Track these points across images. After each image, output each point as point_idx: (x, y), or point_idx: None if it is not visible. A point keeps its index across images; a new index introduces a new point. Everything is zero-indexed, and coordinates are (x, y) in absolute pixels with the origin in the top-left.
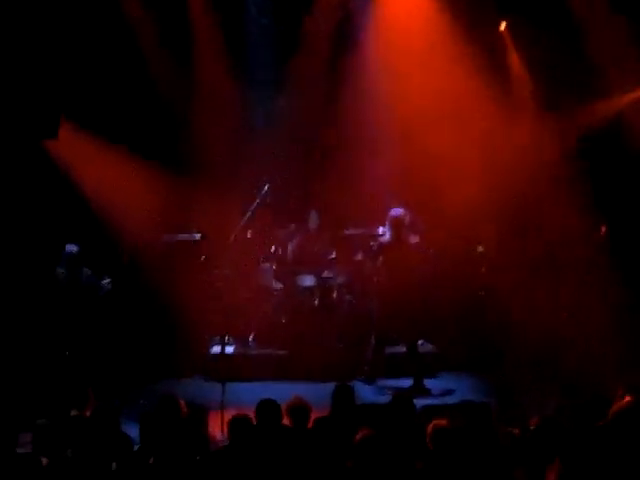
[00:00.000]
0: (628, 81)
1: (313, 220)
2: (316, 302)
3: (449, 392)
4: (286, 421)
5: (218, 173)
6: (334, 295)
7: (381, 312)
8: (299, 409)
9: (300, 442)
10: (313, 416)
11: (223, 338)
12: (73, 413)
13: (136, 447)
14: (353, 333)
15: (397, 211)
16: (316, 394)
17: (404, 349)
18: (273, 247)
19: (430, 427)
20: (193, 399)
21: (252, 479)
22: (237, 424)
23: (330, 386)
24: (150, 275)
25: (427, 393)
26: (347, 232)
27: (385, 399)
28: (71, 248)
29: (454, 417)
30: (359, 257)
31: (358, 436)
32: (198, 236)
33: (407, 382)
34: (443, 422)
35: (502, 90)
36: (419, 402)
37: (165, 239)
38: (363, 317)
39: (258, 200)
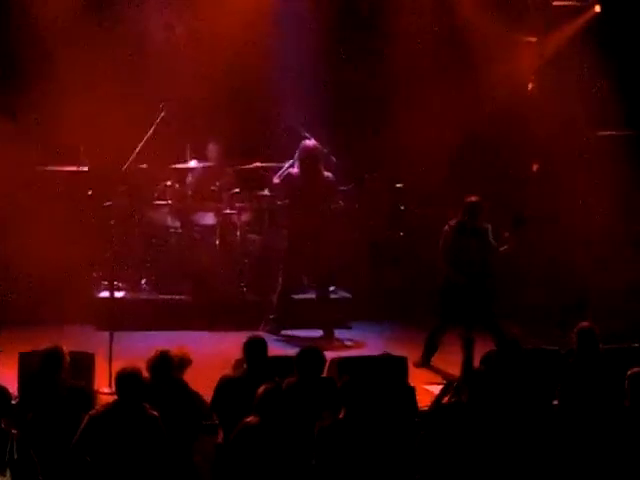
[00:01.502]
0: None
1: (212, 153)
2: (217, 242)
3: (363, 344)
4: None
5: (109, 95)
6: (237, 234)
7: (289, 254)
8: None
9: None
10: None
11: (112, 282)
12: None
13: (14, 401)
14: (258, 277)
15: (310, 142)
16: (216, 345)
17: (314, 296)
18: (169, 181)
19: (340, 382)
20: (78, 348)
21: (136, 441)
22: (125, 378)
23: (232, 336)
24: (30, 210)
25: (339, 345)
26: (252, 165)
27: (292, 351)
28: None
29: (367, 371)
30: (265, 192)
31: (260, 390)
32: (84, 167)
33: (317, 333)
34: (355, 377)
35: None
36: (329, 355)
37: (45, 170)
38: (269, 259)
39: (153, 129)
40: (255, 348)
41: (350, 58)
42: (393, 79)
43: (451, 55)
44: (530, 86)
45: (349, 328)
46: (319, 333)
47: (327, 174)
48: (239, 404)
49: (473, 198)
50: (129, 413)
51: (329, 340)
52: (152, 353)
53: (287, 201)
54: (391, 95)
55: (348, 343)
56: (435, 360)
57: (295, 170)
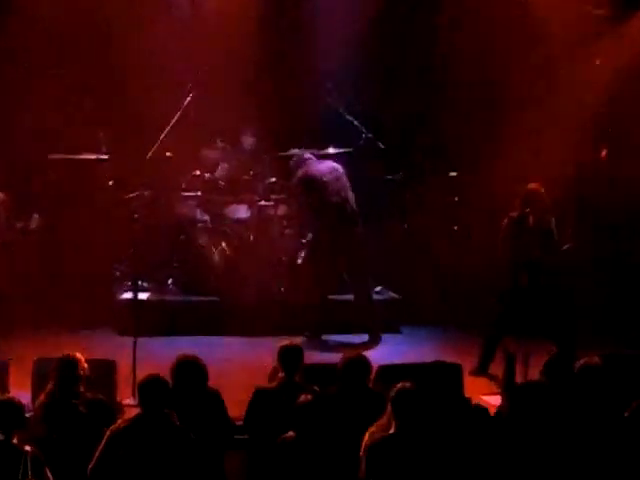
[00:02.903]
0: None
1: (246, 138)
2: (251, 238)
3: (413, 350)
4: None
5: (131, 78)
6: (273, 229)
7: (330, 249)
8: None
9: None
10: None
11: (136, 282)
12: None
13: (28, 414)
14: (296, 276)
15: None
16: (251, 351)
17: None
18: (198, 170)
19: (393, 391)
20: (98, 356)
21: (164, 458)
22: (148, 387)
23: (268, 342)
24: (43, 202)
25: (386, 351)
26: (290, 152)
27: (335, 359)
28: None
29: (419, 380)
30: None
31: (297, 403)
32: (104, 155)
33: (362, 338)
34: (407, 385)
35: None
36: (376, 361)
37: (60, 159)
38: (309, 256)
39: (180, 112)
40: (291, 356)
41: (402, 35)
42: (447, 60)
43: (519, 31)
44: (598, 62)
45: (399, 332)
46: (365, 338)
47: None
48: (275, 418)
49: (533, 185)
50: (155, 426)
51: (376, 346)
52: (176, 358)
53: (329, 191)
54: (445, 77)
55: (396, 349)
56: (494, 368)
57: (307, 170)
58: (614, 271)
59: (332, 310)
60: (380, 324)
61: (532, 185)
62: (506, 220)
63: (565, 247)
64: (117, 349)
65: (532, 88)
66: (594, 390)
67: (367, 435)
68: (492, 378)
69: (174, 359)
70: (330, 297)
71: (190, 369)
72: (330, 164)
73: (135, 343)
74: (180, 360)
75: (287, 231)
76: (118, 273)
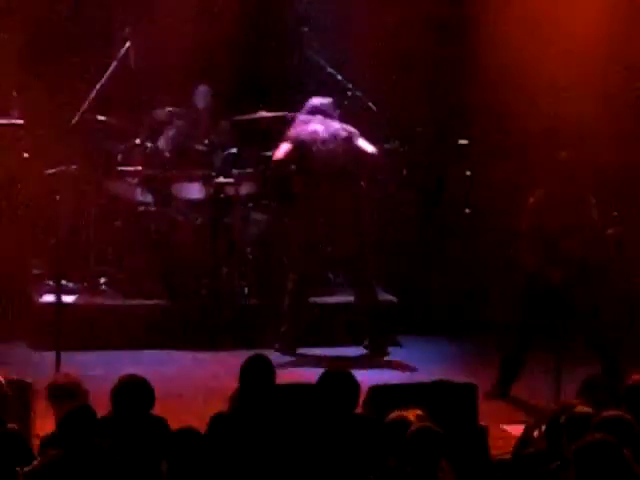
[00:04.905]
0: None
1: (201, 97)
2: (206, 224)
3: (414, 366)
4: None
5: (53, 19)
6: (236, 213)
7: (307, 237)
8: None
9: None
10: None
11: (59, 281)
12: None
13: None
14: (263, 273)
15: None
16: (207, 369)
17: (344, 298)
18: (139, 139)
19: (394, 418)
20: (10, 375)
21: None
22: (70, 419)
23: (228, 356)
24: None
25: (381, 366)
26: (256, 116)
27: (313, 376)
28: None
29: (423, 404)
30: (278, 154)
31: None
32: (18, 120)
33: (349, 351)
34: (414, 413)
35: None
36: (367, 379)
37: None
38: (279, 246)
39: (115, 65)
40: (253, 373)
41: None
42: None
43: None
44: None
45: (398, 345)
46: (350, 352)
47: (343, 126)
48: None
49: (564, 155)
50: (79, 469)
51: (373, 360)
52: (117, 381)
53: (305, 166)
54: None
55: (394, 365)
56: (516, 389)
57: (297, 131)
58: None
59: (312, 317)
60: (383, 333)
61: (563, 154)
62: (531, 200)
63: (609, 232)
64: (35, 366)
65: None
66: None
67: None
68: (513, 402)
69: (117, 380)
70: (310, 300)
71: (136, 393)
72: (333, 128)
73: (58, 359)
74: (123, 381)
75: (252, 215)
76: (36, 270)
